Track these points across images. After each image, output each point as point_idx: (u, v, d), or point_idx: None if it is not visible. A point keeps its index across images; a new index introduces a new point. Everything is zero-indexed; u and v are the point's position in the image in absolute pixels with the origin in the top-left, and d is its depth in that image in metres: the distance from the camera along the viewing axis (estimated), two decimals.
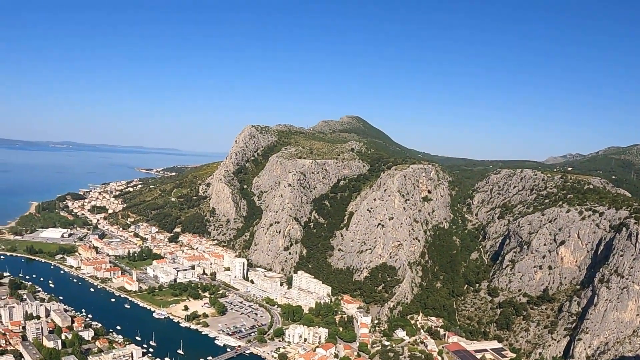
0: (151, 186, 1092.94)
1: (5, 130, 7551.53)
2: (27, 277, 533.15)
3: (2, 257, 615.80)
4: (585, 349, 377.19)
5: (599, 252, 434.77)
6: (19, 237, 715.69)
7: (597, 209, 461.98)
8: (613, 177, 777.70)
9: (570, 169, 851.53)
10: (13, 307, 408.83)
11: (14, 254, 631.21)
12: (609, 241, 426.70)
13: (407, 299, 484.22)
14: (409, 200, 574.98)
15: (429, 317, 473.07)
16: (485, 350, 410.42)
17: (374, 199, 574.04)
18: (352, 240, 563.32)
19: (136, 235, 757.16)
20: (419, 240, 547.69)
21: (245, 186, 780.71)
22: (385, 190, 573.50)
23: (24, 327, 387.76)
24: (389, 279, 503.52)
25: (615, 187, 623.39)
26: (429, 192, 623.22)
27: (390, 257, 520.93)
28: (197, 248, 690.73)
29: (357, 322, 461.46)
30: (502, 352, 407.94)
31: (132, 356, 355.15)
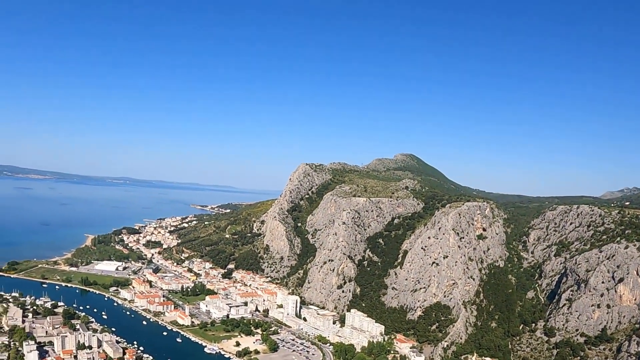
0: (206, 222, 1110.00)
1: (65, 164, 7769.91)
2: (81, 307, 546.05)
3: (57, 287, 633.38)
4: None
5: None
6: (74, 269, 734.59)
7: None
8: None
9: (627, 203, 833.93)
10: (66, 336, 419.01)
11: (69, 285, 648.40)
12: None
13: (461, 338, 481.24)
14: (463, 238, 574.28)
15: (483, 357, 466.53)
16: None
17: (429, 237, 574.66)
18: (406, 279, 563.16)
19: (190, 270, 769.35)
20: (473, 279, 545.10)
21: (299, 224, 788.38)
22: (439, 229, 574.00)
23: (75, 357, 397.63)
24: (442, 318, 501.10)
25: None
26: (484, 229, 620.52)
27: (445, 296, 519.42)
28: (250, 285, 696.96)
29: None
30: None
31: None
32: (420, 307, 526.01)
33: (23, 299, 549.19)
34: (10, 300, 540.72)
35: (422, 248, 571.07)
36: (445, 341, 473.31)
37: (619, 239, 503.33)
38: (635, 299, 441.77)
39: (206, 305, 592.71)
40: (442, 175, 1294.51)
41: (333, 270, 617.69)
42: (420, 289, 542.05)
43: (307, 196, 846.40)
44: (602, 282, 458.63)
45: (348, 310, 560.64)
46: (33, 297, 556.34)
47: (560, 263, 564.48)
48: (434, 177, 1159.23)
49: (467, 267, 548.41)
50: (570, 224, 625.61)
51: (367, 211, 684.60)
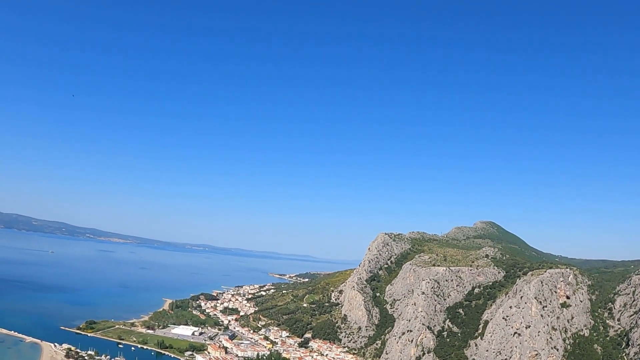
0: (284, 291, 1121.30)
1: (146, 230, 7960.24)
2: None
3: (132, 348, 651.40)
4: None
5: None
6: (150, 331, 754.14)
7: None
8: None
9: None
10: None
11: (145, 347, 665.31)
12: None
13: None
14: (546, 307, 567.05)
15: None
16: None
17: (510, 307, 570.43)
18: (487, 350, 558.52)
19: (266, 338, 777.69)
20: (557, 350, 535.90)
21: (377, 294, 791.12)
22: (521, 297, 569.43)
23: None
24: None
25: None
26: (568, 297, 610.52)
27: None
28: (326, 355, 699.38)
29: None
30: None
31: None
32: None
33: (99, 357, 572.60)
34: (86, 357, 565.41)
35: (503, 318, 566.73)
36: None
37: None
38: None
39: None
40: (523, 242, 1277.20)
41: (412, 341, 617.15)
42: None
43: (385, 266, 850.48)
44: None
45: None
46: (108, 357, 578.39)
47: None
48: (515, 244, 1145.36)
49: (551, 337, 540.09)
50: None
51: (446, 280, 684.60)
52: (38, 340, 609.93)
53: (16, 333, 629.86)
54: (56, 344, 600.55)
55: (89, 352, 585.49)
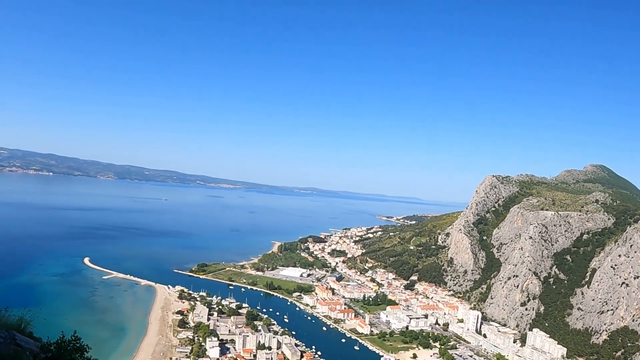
0: (391, 233, 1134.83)
1: (254, 175, 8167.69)
2: (264, 310, 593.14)
3: (242, 289, 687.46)
4: None
5: None
6: (260, 273, 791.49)
7: None
8: None
9: None
10: (247, 335, 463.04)
11: (254, 288, 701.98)
12: None
13: None
14: None
15: None
16: None
17: (619, 255, 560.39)
18: (593, 300, 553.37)
19: (372, 280, 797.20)
20: None
21: (484, 237, 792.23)
22: (631, 246, 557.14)
23: (255, 355, 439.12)
24: (629, 344, 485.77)
25: None
26: None
27: (633, 321, 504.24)
28: (431, 297, 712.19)
29: None
30: None
31: None
32: (606, 331, 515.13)
33: (210, 298, 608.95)
34: (198, 299, 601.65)
35: (611, 267, 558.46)
36: None
37: None
38: None
39: (386, 316, 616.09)
40: (635, 188, 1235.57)
41: (517, 286, 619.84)
42: (608, 311, 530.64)
43: (493, 209, 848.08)
44: None
45: (530, 330, 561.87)
46: (219, 298, 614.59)
47: None
48: (626, 190, 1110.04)
49: None
50: None
51: (554, 225, 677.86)
52: (152, 283, 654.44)
53: (132, 277, 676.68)
54: (169, 286, 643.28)
55: (201, 293, 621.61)
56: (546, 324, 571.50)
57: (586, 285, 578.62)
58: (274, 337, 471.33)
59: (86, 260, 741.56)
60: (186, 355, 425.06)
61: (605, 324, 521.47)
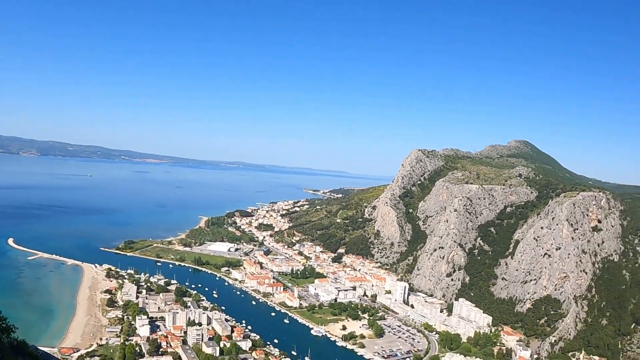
0: (317, 207, 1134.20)
1: (180, 149, 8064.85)
2: (192, 286, 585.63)
3: (170, 265, 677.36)
4: None
5: None
6: (187, 249, 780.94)
7: None
8: None
9: None
10: (177, 312, 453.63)
11: (182, 264, 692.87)
12: None
13: (569, 334, 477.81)
14: (577, 229, 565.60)
15: (591, 356, 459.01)
16: None
17: (541, 227, 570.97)
18: (517, 270, 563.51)
19: (300, 253, 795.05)
20: (586, 273, 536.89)
21: (410, 210, 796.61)
22: (553, 219, 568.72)
23: (185, 332, 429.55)
24: (552, 312, 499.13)
25: None
26: (599, 221, 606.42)
27: (555, 290, 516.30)
28: (359, 269, 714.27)
29: (515, 355, 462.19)
30: None
31: None
32: (529, 300, 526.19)
33: (138, 276, 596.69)
34: (126, 277, 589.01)
35: (534, 238, 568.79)
36: (553, 336, 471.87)
37: None
38: None
39: (315, 288, 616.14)
40: (557, 163, 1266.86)
41: (443, 257, 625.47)
42: (531, 280, 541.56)
43: (419, 182, 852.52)
44: None
45: (456, 299, 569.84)
46: (147, 275, 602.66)
47: None
48: (549, 165, 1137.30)
49: (580, 260, 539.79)
50: None
51: (479, 199, 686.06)
52: (79, 262, 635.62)
53: (58, 257, 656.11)
54: (97, 264, 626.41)
55: (129, 271, 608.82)
56: (472, 294, 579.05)
57: (510, 256, 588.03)
58: (204, 313, 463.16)
59: (10, 241, 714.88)
60: (116, 334, 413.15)
61: (528, 293, 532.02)
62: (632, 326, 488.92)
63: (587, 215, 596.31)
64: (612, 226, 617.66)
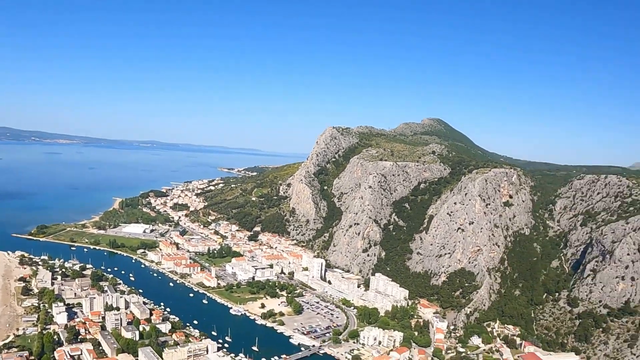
0: (232, 185, 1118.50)
1: (92, 130, 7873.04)
2: (109, 269, 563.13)
3: (85, 250, 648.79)
4: None
5: None
6: (102, 232, 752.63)
7: None
8: None
9: None
10: (94, 297, 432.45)
11: (97, 247, 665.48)
12: None
13: (484, 305, 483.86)
14: (489, 204, 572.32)
15: (505, 325, 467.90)
16: None
17: (455, 203, 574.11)
18: (431, 244, 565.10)
19: (216, 233, 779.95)
20: (498, 246, 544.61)
21: (325, 187, 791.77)
22: (466, 194, 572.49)
23: (103, 318, 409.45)
24: (466, 284, 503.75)
25: None
26: (510, 197, 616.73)
27: (469, 263, 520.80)
28: (276, 247, 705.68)
29: (432, 327, 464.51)
30: None
31: (207, 350, 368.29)
32: (444, 273, 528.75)
33: (52, 261, 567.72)
34: (40, 263, 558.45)
35: (447, 213, 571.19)
36: (469, 307, 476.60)
37: None
38: None
39: (232, 268, 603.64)
40: (470, 141, 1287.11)
41: (358, 234, 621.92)
42: (445, 254, 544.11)
43: (333, 159, 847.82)
44: (628, 254, 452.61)
45: (373, 274, 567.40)
46: (62, 260, 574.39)
47: (586, 233, 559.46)
48: (461, 143, 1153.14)
49: (493, 234, 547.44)
50: (598, 194, 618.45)
51: (393, 175, 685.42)
52: None
53: None
54: (9, 252, 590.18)
55: (43, 257, 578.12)
56: (388, 269, 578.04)
57: (424, 231, 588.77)
58: (121, 297, 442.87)
59: None
60: (33, 323, 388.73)
61: (443, 267, 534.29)
62: (544, 296, 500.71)
63: (499, 190, 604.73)
64: (523, 201, 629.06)
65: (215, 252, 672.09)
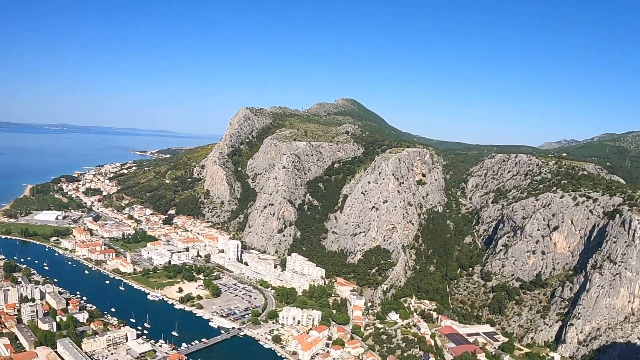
0: (145, 168, 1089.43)
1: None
2: (21, 259, 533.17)
3: None
4: (577, 334, 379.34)
5: (592, 239, 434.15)
6: (13, 220, 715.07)
7: (591, 195, 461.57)
8: (607, 163, 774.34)
9: (564, 154, 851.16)
10: (8, 290, 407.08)
11: (9, 237, 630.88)
12: (602, 228, 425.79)
13: (400, 282, 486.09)
14: (403, 183, 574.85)
15: (422, 300, 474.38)
16: (478, 334, 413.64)
17: (369, 182, 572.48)
18: (346, 223, 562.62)
19: (130, 217, 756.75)
20: (412, 224, 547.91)
21: (239, 168, 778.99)
22: (379, 174, 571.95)
23: (19, 310, 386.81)
24: (382, 262, 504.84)
25: (610, 173, 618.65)
26: (424, 175, 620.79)
27: (384, 240, 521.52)
28: (191, 230, 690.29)
29: (350, 304, 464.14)
30: (495, 336, 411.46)
31: (126, 338, 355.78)
32: (360, 251, 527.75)
33: None
34: None
35: (362, 193, 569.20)
36: (385, 284, 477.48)
37: (555, 188, 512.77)
38: (569, 247, 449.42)
39: (148, 252, 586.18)
40: (383, 121, 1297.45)
41: (273, 214, 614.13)
42: (360, 233, 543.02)
43: (247, 140, 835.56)
44: (538, 230, 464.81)
45: (289, 255, 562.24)
46: None
47: (498, 210, 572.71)
48: (375, 123, 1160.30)
49: (407, 212, 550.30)
50: (508, 172, 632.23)
51: (307, 155, 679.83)
52: None
53: None
54: None
55: None
56: (304, 249, 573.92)
57: (339, 211, 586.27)
58: (36, 288, 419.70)
59: None
60: None
61: (359, 245, 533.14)
62: (458, 271, 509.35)
63: (412, 169, 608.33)
64: (436, 179, 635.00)
65: (130, 237, 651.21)
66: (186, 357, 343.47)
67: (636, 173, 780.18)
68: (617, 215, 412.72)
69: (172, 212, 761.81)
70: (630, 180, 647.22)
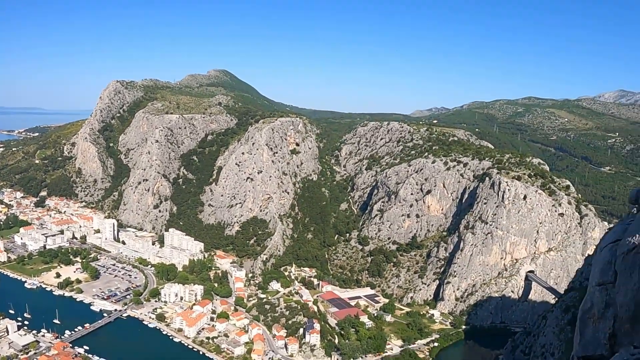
0: (13, 149, 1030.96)
1: None
2: None
3: None
4: (454, 292, 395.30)
5: (463, 201, 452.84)
6: None
7: (462, 160, 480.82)
8: (477, 130, 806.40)
9: (435, 122, 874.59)
10: None
11: None
12: (473, 190, 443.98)
13: (279, 251, 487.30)
14: (277, 153, 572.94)
15: (302, 268, 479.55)
16: (359, 297, 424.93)
17: (242, 153, 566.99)
18: (222, 195, 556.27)
19: (0, 202, 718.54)
20: (288, 193, 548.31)
21: (111, 144, 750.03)
22: (253, 144, 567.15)
23: None
24: (260, 232, 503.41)
25: (479, 139, 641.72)
26: (297, 144, 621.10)
27: (261, 211, 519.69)
28: (64, 211, 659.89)
29: (231, 277, 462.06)
30: (375, 298, 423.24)
31: (7, 331, 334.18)
32: (237, 223, 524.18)
33: None
34: None
35: (236, 164, 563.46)
36: (264, 254, 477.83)
37: (426, 154, 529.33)
38: (442, 209, 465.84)
39: (21, 238, 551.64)
40: (256, 92, 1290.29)
41: (148, 190, 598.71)
42: (237, 204, 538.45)
43: (118, 115, 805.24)
44: (411, 194, 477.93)
45: (166, 230, 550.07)
46: None
47: (372, 176, 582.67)
48: (248, 93, 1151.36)
49: (282, 182, 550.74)
50: (381, 139, 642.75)
51: (180, 128, 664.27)
52: None
53: None
54: None
55: None
56: (181, 223, 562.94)
57: (214, 183, 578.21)
58: None
59: None
60: None
61: (235, 217, 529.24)
62: (335, 237, 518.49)
63: (286, 139, 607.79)
64: (310, 148, 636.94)
65: (1, 223, 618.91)
66: (71, 345, 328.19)
67: (504, 138, 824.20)
68: (487, 178, 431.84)
69: (43, 193, 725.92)
70: (498, 145, 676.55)
